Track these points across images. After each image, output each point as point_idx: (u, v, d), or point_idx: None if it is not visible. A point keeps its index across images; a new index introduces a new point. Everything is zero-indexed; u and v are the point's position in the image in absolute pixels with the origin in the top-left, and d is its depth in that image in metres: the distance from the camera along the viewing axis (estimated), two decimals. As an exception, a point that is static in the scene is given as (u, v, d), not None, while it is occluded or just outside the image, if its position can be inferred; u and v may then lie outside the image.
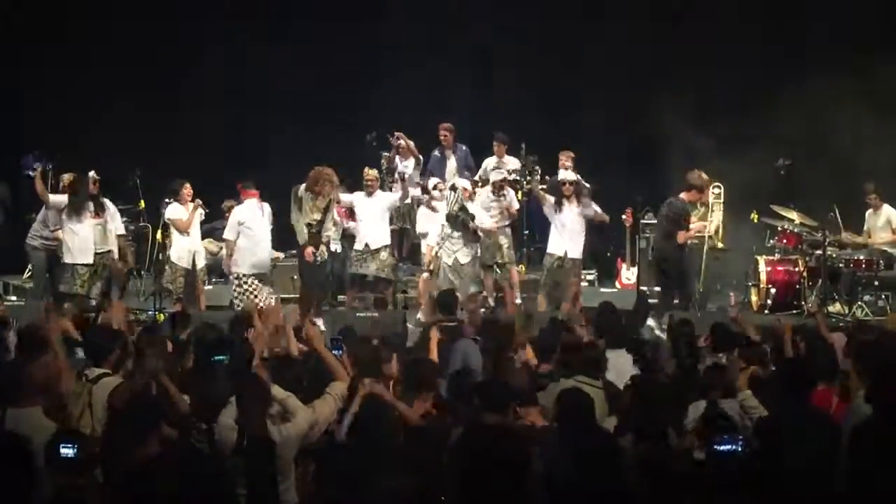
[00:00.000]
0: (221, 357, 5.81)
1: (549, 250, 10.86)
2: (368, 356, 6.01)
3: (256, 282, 10.31)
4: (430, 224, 11.16)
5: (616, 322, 7.54)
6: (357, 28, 13.90)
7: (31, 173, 10.67)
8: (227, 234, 10.52)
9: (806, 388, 5.31)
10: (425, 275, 10.93)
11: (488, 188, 11.26)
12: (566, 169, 11.47)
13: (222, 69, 13.69)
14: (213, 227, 12.03)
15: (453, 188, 10.79)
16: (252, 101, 13.64)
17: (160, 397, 5.40)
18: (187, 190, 10.86)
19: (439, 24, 13.53)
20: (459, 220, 10.61)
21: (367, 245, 10.82)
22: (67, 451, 4.13)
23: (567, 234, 10.72)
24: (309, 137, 11.99)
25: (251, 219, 10.38)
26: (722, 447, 4.16)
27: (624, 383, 5.81)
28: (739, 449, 4.16)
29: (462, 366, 6.59)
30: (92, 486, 4.24)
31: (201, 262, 10.93)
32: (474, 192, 11.22)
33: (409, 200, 11.76)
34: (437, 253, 10.70)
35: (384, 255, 10.89)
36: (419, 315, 10.29)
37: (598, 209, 10.96)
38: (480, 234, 10.80)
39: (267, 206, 10.63)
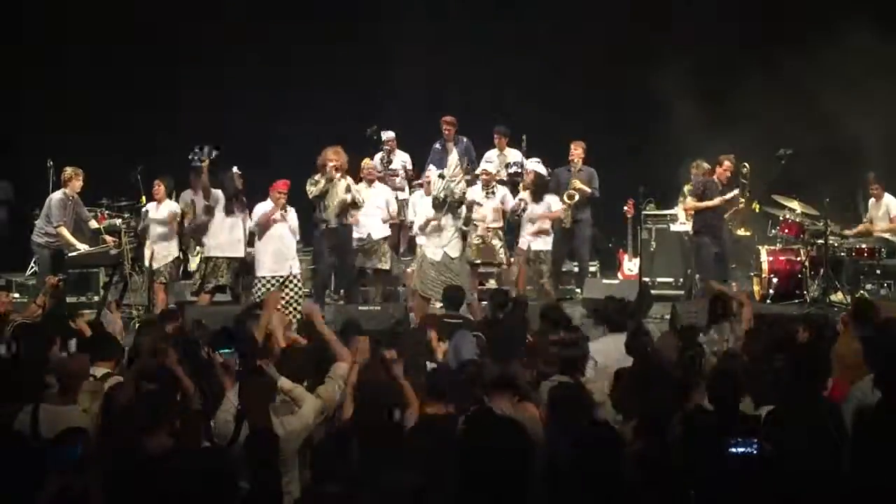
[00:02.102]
0: (227, 349, 5.84)
1: (519, 245, 10.83)
2: None
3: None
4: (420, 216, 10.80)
5: (620, 307, 7.53)
6: (358, 22, 13.89)
7: (198, 163, 10.31)
8: None
9: (820, 381, 5.32)
10: (412, 268, 10.69)
11: (478, 185, 11.09)
12: (575, 161, 11.45)
13: (222, 68, 13.67)
14: None
15: (441, 176, 10.69)
16: (251, 98, 13.64)
17: (173, 390, 5.42)
18: (156, 188, 10.73)
19: (441, 13, 13.51)
20: (447, 206, 10.43)
21: (369, 235, 10.85)
22: (71, 451, 4.14)
23: (529, 228, 10.63)
24: (310, 132, 11.92)
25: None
26: (737, 450, 4.08)
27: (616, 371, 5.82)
28: (755, 452, 4.08)
29: (456, 358, 6.61)
30: (95, 485, 4.25)
31: (157, 264, 10.64)
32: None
33: (406, 195, 11.81)
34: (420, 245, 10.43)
35: (385, 246, 10.92)
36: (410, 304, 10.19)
37: (555, 208, 10.76)
38: (471, 218, 10.65)
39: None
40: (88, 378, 5.60)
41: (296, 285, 10.01)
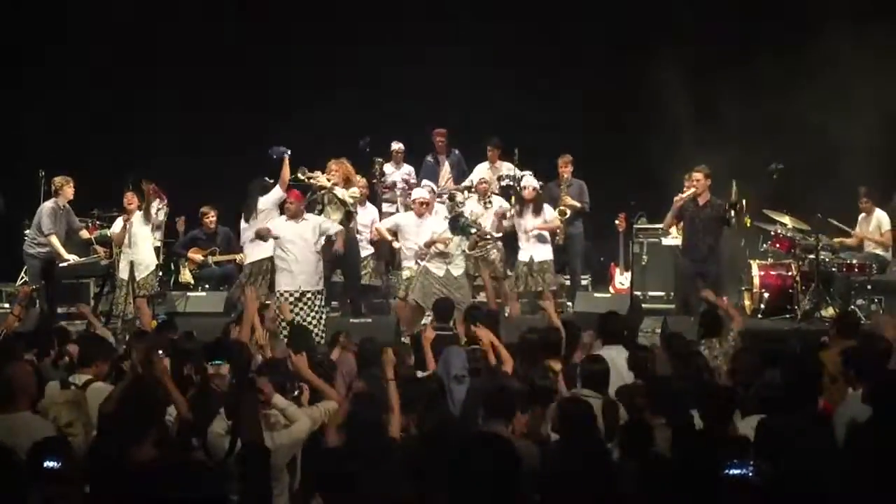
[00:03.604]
0: (219, 361, 5.82)
1: (518, 258, 10.77)
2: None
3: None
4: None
5: (617, 320, 7.54)
6: (354, 30, 13.90)
7: (286, 155, 10.29)
8: None
9: (815, 396, 5.36)
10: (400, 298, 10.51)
11: (474, 197, 11.19)
12: (564, 176, 11.53)
13: (220, 72, 13.66)
14: (192, 237, 12.01)
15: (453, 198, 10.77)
16: (249, 104, 13.63)
17: (161, 400, 5.38)
18: (127, 199, 10.53)
19: (437, 23, 13.53)
20: (463, 228, 10.46)
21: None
22: (52, 462, 4.11)
23: (531, 240, 10.61)
24: (304, 141, 11.92)
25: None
26: (733, 472, 4.05)
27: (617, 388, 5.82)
28: (751, 474, 4.05)
29: (445, 372, 6.62)
30: (79, 496, 4.22)
31: (140, 274, 10.37)
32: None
33: (401, 210, 11.82)
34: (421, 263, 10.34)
35: (374, 262, 10.94)
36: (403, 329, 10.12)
37: (550, 217, 10.75)
38: (478, 243, 10.66)
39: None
40: (31, 384, 5.51)
41: (308, 302, 9.63)
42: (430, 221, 10.47)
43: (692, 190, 10.46)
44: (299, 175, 10.64)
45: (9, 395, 5.22)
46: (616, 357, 6.69)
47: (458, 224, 10.29)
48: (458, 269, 10.31)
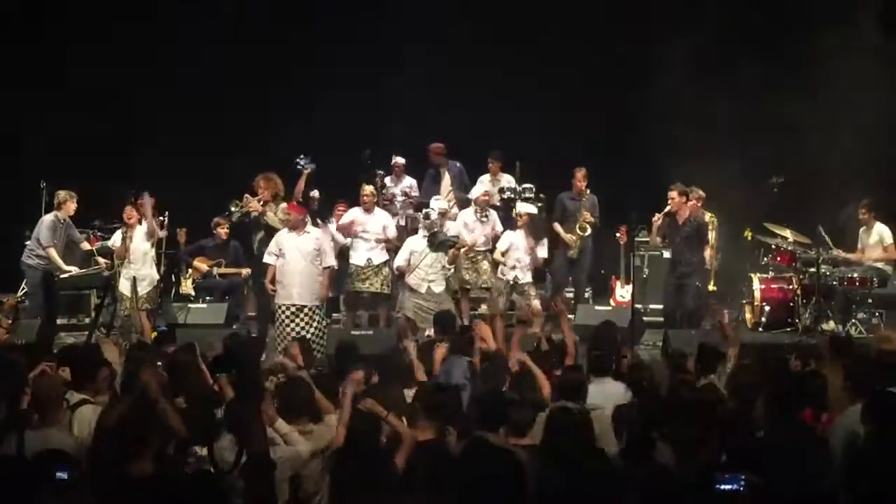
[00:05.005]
0: (224, 373, 5.79)
1: (498, 274, 10.88)
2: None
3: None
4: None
5: (609, 348, 7.40)
6: (356, 42, 13.92)
7: (305, 168, 10.67)
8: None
9: (796, 408, 5.35)
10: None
11: (471, 208, 11.29)
12: (582, 190, 11.62)
13: (221, 78, 13.67)
14: (201, 245, 11.99)
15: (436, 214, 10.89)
16: (250, 108, 13.64)
17: (157, 418, 5.36)
18: (127, 214, 10.41)
19: (437, 39, 13.56)
20: (441, 245, 10.57)
21: (369, 260, 10.86)
22: (61, 474, 4.10)
23: (519, 262, 10.74)
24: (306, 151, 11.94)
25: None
26: (724, 486, 4.03)
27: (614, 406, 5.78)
28: (741, 489, 4.04)
29: (444, 381, 6.60)
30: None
31: (143, 290, 10.33)
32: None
33: (403, 222, 11.83)
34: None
35: (386, 270, 10.93)
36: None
37: (541, 254, 10.92)
38: (457, 257, 10.74)
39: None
40: (63, 398, 5.53)
41: (307, 316, 9.59)
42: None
43: (667, 208, 10.47)
44: (233, 209, 10.86)
45: (40, 410, 5.24)
46: (614, 392, 6.35)
47: (436, 241, 10.46)
48: (438, 285, 10.57)
